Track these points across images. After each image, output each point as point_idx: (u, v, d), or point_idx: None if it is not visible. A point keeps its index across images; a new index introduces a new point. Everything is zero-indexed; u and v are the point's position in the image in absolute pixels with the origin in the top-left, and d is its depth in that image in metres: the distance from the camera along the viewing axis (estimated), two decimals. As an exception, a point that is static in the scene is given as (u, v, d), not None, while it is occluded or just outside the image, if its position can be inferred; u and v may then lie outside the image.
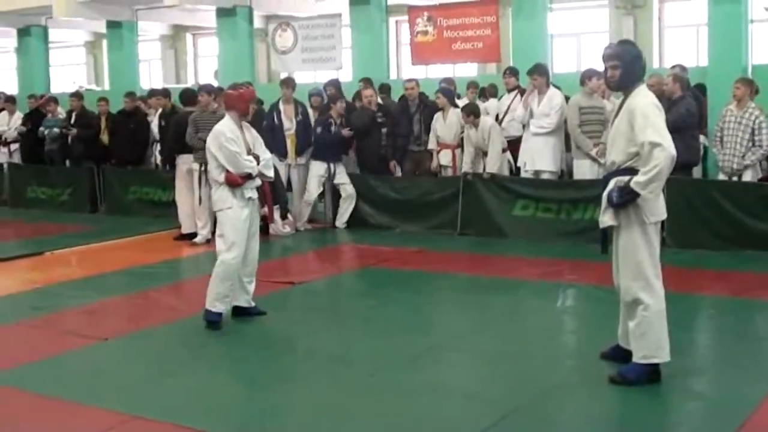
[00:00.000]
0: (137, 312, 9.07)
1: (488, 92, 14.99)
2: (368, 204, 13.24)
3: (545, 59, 14.32)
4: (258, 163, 8.16)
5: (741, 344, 7.40)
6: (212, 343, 7.76)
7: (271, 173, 8.50)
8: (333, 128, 12.94)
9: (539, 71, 12.10)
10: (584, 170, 11.56)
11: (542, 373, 6.73)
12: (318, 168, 13.06)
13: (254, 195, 8.24)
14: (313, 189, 13.16)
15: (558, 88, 12.34)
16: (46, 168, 16.75)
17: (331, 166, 13.05)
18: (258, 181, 8.30)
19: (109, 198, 15.71)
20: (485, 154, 12.29)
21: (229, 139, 8.04)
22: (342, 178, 13.13)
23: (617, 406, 6.08)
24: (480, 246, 11.80)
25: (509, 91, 13.20)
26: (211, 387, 6.70)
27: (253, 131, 8.47)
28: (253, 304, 8.39)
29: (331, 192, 13.44)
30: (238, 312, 8.30)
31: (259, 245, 8.42)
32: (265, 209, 9.49)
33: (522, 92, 12.60)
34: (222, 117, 8.43)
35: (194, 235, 12.39)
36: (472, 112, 12.28)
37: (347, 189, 13.15)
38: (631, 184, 5.97)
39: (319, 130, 13.05)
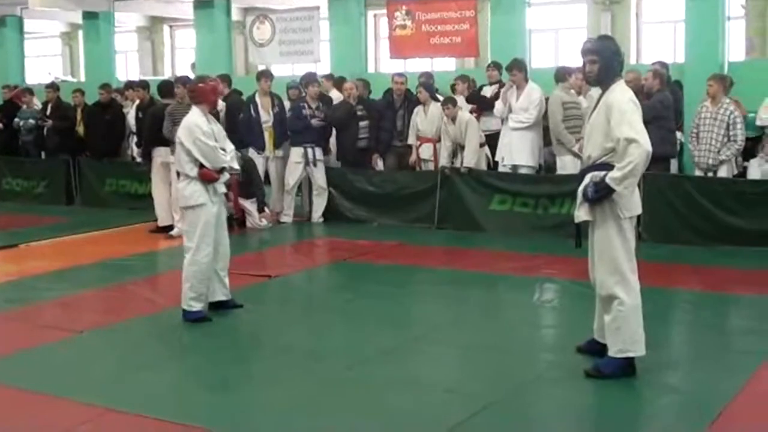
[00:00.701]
0: (113, 305, 9.04)
1: (469, 86, 14.98)
2: (346, 198, 13.23)
3: (523, 54, 14.33)
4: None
5: (715, 338, 7.46)
6: (188, 336, 7.75)
7: (237, 165, 8.48)
8: (305, 111, 12.93)
9: (518, 66, 12.13)
10: (567, 166, 11.59)
11: (519, 366, 6.76)
12: (295, 154, 13.04)
13: (224, 189, 8.23)
14: (290, 177, 13.13)
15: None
16: (21, 160, 16.66)
17: (309, 151, 12.99)
18: (227, 175, 8.27)
19: (85, 190, 15.63)
20: (463, 148, 12.30)
21: (205, 133, 7.99)
22: (318, 170, 13.10)
23: (593, 399, 6.11)
24: (457, 240, 11.82)
25: (491, 84, 13.22)
26: (187, 380, 6.70)
27: (217, 123, 8.42)
28: (230, 296, 8.37)
29: (309, 185, 13.41)
30: (215, 305, 8.27)
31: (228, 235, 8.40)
32: (240, 202, 9.50)
33: (503, 86, 12.63)
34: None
35: (170, 227, 12.35)
36: (449, 101, 12.33)
37: (319, 182, 13.12)
38: (607, 180, 6.00)
39: (289, 115, 13.06)
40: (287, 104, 13.48)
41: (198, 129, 7.98)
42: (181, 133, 8.06)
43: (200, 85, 8.31)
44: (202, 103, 8.16)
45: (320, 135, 13.11)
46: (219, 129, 8.31)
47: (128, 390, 6.36)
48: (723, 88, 11.13)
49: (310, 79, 13.31)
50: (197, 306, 7.99)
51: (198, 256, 7.97)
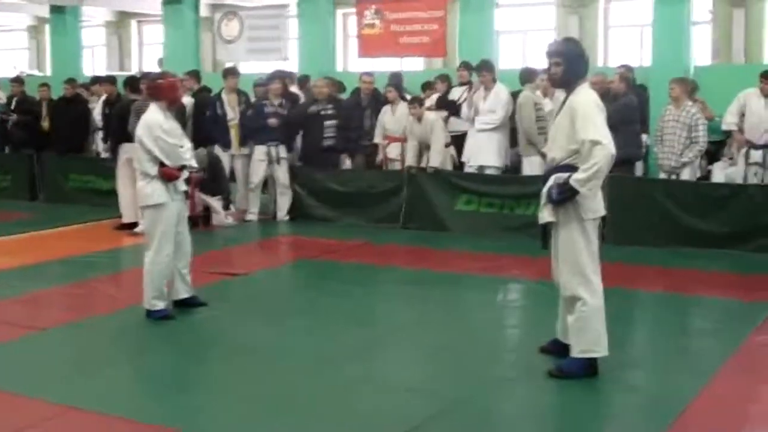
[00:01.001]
0: (76, 302, 8.98)
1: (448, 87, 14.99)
2: (312, 196, 13.21)
3: (491, 55, 14.37)
4: None
5: (677, 339, 7.52)
6: (151, 334, 7.72)
7: (195, 163, 8.43)
8: (267, 110, 12.90)
9: (486, 67, 12.17)
10: (534, 167, 11.62)
11: (482, 366, 6.78)
12: (258, 152, 13.00)
13: (185, 187, 8.18)
14: (254, 175, 13.10)
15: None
16: (-17, 154, 16.50)
17: (272, 150, 12.97)
18: (187, 173, 8.22)
19: (49, 186, 15.51)
20: (428, 148, 12.33)
21: (165, 130, 7.93)
22: (281, 168, 13.07)
23: (555, 399, 6.14)
24: (423, 239, 11.84)
25: (461, 84, 13.25)
26: (149, 379, 6.67)
27: (174, 120, 8.33)
28: (193, 293, 8.34)
29: (274, 183, 13.39)
30: (179, 303, 8.24)
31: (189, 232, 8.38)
32: (205, 199, 9.41)
33: (471, 87, 12.68)
34: None
35: (135, 224, 12.25)
36: (415, 100, 12.39)
37: (282, 181, 13.09)
38: (570, 181, 6.03)
39: (249, 113, 13.03)
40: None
41: (158, 126, 7.91)
42: (141, 131, 7.98)
43: (159, 81, 8.23)
44: (161, 99, 8.08)
45: (283, 133, 13.05)
46: (176, 126, 8.24)
47: (90, 388, 6.32)
48: (685, 91, 11.23)
49: (273, 76, 13.29)
50: (160, 304, 7.96)
51: (159, 256, 7.93)
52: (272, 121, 12.83)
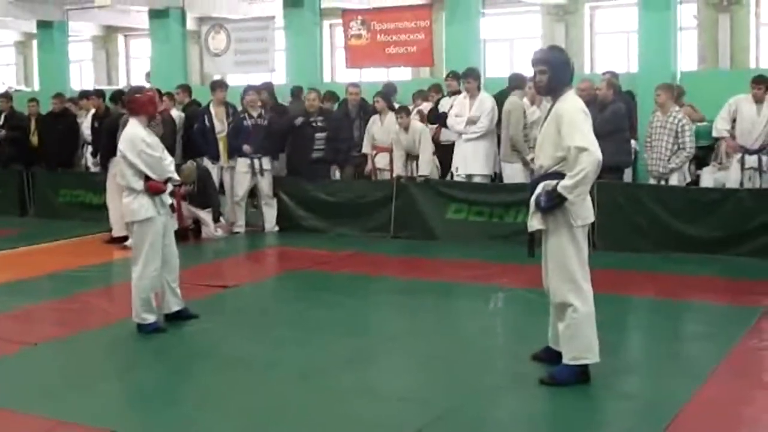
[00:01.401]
0: (67, 317, 8.95)
1: (419, 97, 15.00)
2: (301, 207, 13.21)
3: (477, 64, 14.40)
4: None
5: (668, 345, 7.53)
6: (142, 348, 7.70)
7: (176, 177, 8.40)
8: (246, 123, 12.91)
9: (472, 75, 12.18)
10: (516, 174, 11.66)
11: (474, 374, 6.78)
12: (241, 165, 12.99)
13: (170, 200, 8.16)
14: (238, 187, 13.10)
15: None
16: (-27, 170, 16.45)
17: (255, 162, 12.96)
18: (171, 186, 8.23)
19: (39, 201, 15.49)
20: (415, 157, 12.35)
21: (149, 144, 7.92)
22: (265, 180, 13.07)
23: (548, 406, 6.15)
24: (413, 249, 11.84)
25: (450, 94, 13.27)
26: (141, 392, 6.66)
27: (153, 135, 8.28)
28: (184, 305, 8.33)
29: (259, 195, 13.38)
30: (171, 317, 8.24)
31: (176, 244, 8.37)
32: (195, 211, 9.38)
33: None
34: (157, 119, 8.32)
35: (126, 238, 12.21)
36: (402, 110, 12.43)
37: (266, 192, 13.11)
38: (558, 188, 6.05)
39: (230, 126, 13.05)
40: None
41: (141, 141, 7.90)
42: (123, 146, 7.96)
43: (137, 95, 8.18)
44: (140, 114, 8.06)
45: (266, 145, 13.05)
46: (157, 140, 8.21)
47: (82, 403, 6.31)
48: (671, 97, 11.25)
49: (246, 89, 13.32)
50: (150, 318, 7.94)
51: (147, 270, 7.92)
52: (246, 148, 12.84)
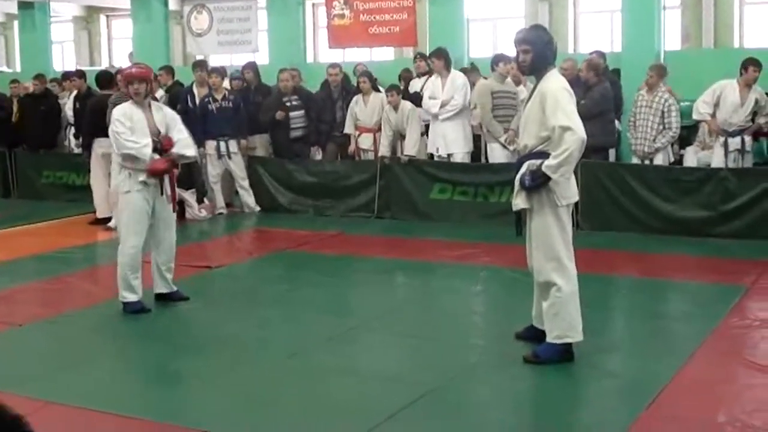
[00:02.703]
0: (51, 297, 8.95)
1: (405, 77, 15.00)
2: (285, 188, 13.20)
3: (461, 44, 14.41)
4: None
5: (651, 323, 7.58)
6: (128, 328, 7.70)
7: (189, 152, 8.30)
8: (210, 106, 12.88)
9: (437, 55, 12.16)
10: (497, 153, 11.68)
11: (458, 353, 6.81)
12: (208, 147, 12.93)
13: (149, 180, 7.93)
14: (210, 169, 13.07)
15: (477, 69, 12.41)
16: (-45, 152, 16.37)
17: (221, 144, 12.90)
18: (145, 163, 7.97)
19: (22, 182, 15.43)
20: (403, 137, 12.34)
21: (115, 119, 7.88)
22: (234, 162, 13.04)
23: (531, 384, 6.19)
24: (397, 229, 11.86)
25: (419, 75, 13.26)
26: (126, 372, 6.67)
27: (167, 111, 8.31)
28: (174, 288, 8.32)
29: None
30: (160, 297, 8.24)
31: (175, 233, 8.32)
32: (179, 192, 9.27)
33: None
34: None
35: (109, 219, 12.22)
36: (393, 88, 12.44)
37: (238, 174, 13.11)
38: (543, 168, 6.07)
39: (195, 109, 13.01)
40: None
41: (118, 114, 7.89)
42: (111, 122, 8.00)
43: (125, 71, 8.26)
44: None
45: (232, 126, 12.99)
46: (168, 116, 8.16)
47: (68, 383, 6.31)
48: (661, 78, 11.28)
49: (210, 69, 13.40)
50: (130, 297, 7.93)
51: (124, 247, 7.93)
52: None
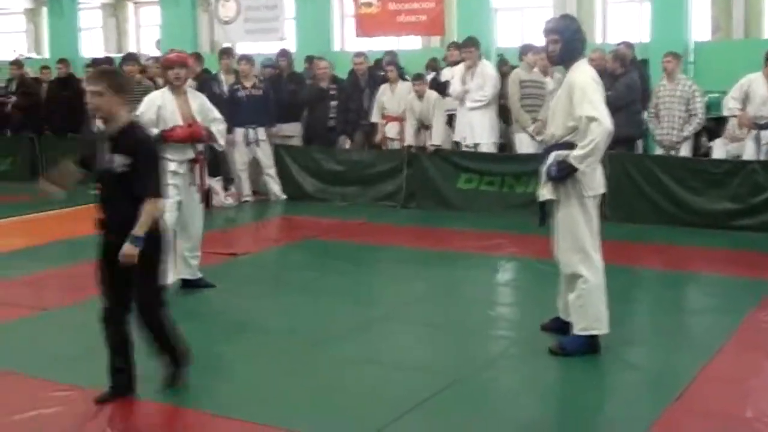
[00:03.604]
0: (78, 282, 8.92)
1: (430, 66, 14.96)
2: (312, 176, 13.22)
3: (489, 33, 14.39)
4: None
5: (678, 316, 7.55)
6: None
7: (220, 141, 8.35)
8: (240, 93, 12.89)
9: (472, 44, 12.12)
10: (525, 143, 11.64)
11: (484, 344, 6.82)
12: (237, 134, 12.91)
13: (179, 169, 7.91)
14: (237, 157, 13.07)
15: (507, 62, 12.34)
16: (-16, 137, 16.49)
17: (250, 132, 12.90)
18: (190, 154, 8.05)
19: (51, 167, 15.47)
20: (427, 127, 12.33)
21: (147, 107, 7.90)
22: (261, 150, 13.06)
23: (557, 375, 6.17)
24: (423, 219, 11.85)
25: (451, 64, 13.22)
26: (152, 358, 6.68)
27: (204, 101, 8.25)
28: (199, 275, 8.33)
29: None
30: (186, 284, 8.26)
31: (202, 221, 8.33)
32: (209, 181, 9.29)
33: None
34: (146, 88, 8.17)
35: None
36: (419, 77, 12.41)
37: (264, 162, 13.11)
38: (569, 159, 6.04)
39: (226, 97, 12.99)
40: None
41: (144, 102, 7.92)
42: None
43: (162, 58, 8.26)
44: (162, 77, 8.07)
45: (260, 114, 13.01)
46: (202, 106, 8.14)
47: (95, 368, 6.32)
48: (679, 65, 11.22)
49: (242, 57, 13.43)
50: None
51: None
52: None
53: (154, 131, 7.66)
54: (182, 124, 7.87)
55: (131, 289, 5.62)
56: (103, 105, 5.47)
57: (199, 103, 8.13)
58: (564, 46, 6.29)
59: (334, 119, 13.26)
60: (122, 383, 5.68)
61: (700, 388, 5.76)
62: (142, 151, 5.53)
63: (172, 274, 7.97)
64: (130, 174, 5.51)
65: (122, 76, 6.13)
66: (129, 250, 5.47)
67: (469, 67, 12.00)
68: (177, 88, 7.99)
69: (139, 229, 5.46)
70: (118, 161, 5.55)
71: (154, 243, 5.57)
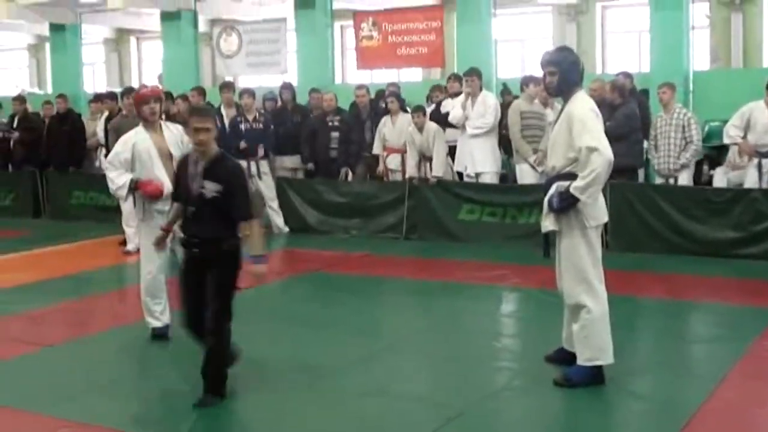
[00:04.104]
0: (81, 318, 8.99)
1: (432, 97, 14.99)
2: (314, 208, 13.24)
3: (489, 64, 14.41)
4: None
5: (682, 346, 7.54)
6: (157, 350, 7.71)
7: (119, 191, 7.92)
8: (241, 126, 12.94)
9: (475, 74, 12.16)
10: (527, 174, 11.65)
11: (488, 375, 6.80)
12: None
13: (163, 207, 7.53)
14: None
15: (510, 92, 12.41)
16: (-13, 172, 16.52)
17: (251, 164, 12.83)
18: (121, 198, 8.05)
19: (53, 203, 15.55)
20: (428, 158, 12.35)
21: (120, 148, 7.74)
22: (263, 183, 13.08)
23: (562, 407, 6.15)
24: (426, 250, 11.85)
25: (452, 96, 13.26)
26: (157, 394, 6.67)
27: (178, 129, 7.93)
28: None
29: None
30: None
31: None
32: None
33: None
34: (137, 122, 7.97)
35: (124, 242, 12.22)
36: (419, 109, 12.41)
37: (266, 194, 13.11)
38: (570, 189, 6.05)
39: (227, 130, 12.99)
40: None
41: (118, 144, 7.81)
42: None
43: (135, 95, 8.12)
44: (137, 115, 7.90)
45: (262, 147, 13.04)
46: (172, 135, 7.82)
47: (97, 404, 6.33)
48: (674, 95, 11.29)
49: (242, 92, 13.44)
50: (153, 323, 7.84)
51: (142, 273, 7.84)
52: (242, 145, 12.80)
53: (129, 177, 7.63)
54: (160, 160, 7.66)
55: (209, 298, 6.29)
56: (209, 140, 6.07)
57: (171, 133, 7.84)
58: (561, 78, 6.32)
59: (336, 150, 13.28)
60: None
61: (705, 418, 5.74)
62: (234, 180, 6.16)
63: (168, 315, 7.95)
64: (220, 199, 6.05)
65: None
66: (260, 269, 6.33)
67: (471, 95, 12.03)
68: (152, 124, 7.73)
69: (259, 249, 6.26)
70: (209, 187, 6.08)
71: (237, 260, 6.32)
